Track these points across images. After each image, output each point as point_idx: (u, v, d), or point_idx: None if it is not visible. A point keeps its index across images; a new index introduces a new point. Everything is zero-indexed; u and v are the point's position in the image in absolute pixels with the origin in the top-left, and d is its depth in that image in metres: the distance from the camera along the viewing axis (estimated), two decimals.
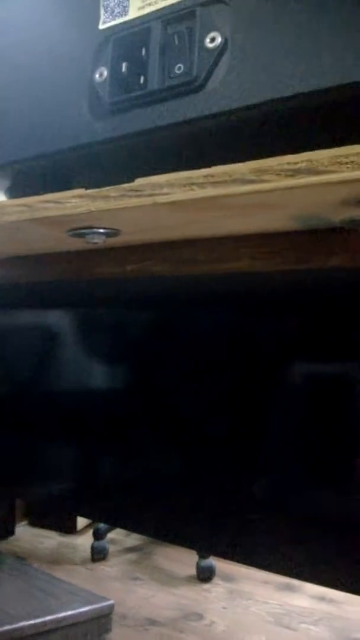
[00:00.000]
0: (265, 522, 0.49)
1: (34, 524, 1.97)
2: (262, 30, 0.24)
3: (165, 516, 0.56)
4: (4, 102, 0.31)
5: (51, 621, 1.23)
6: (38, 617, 1.22)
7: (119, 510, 0.61)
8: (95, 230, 0.34)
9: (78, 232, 0.35)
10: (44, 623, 1.22)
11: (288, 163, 0.23)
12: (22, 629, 1.18)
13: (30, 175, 0.35)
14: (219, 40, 0.24)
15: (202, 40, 0.25)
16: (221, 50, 0.24)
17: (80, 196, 0.30)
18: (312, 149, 0.22)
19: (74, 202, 0.30)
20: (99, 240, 0.35)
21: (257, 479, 0.49)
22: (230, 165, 0.25)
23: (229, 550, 0.53)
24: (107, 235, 0.35)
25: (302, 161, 0.23)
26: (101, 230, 0.34)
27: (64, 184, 0.37)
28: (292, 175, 0.23)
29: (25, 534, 1.91)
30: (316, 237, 0.33)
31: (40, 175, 0.34)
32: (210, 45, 0.25)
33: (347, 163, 0.22)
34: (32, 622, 1.20)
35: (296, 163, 0.23)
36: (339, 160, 0.22)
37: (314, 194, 0.25)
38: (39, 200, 0.31)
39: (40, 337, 0.63)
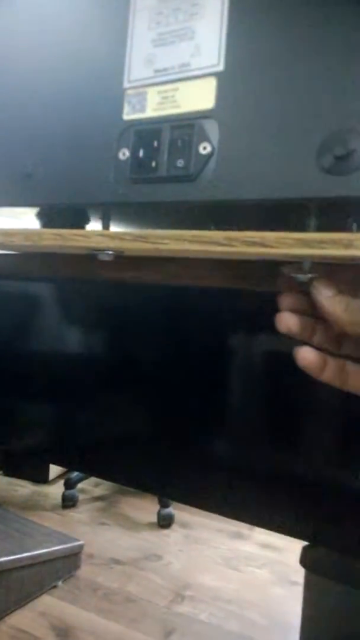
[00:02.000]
0: (222, 474, 0.59)
1: (8, 474, 2.10)
2: (240, 145, 0.36)
3: (133, 465, 0.65)
4: (52, 160, 0.42)
5: (27, 558, 1.38)
6: (15, 553, 1.37)
7: (91, 459, 0.70)
8: (107, 252, 0.46)
9: (94, 253, 0.46)
10: (21, 559, 1.36)
11: (248, 236, 0.36)
12: (1, 563, 1.32)
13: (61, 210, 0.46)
14: (209, 149, 0.36)
15: (197, 147, 0.36)
16: (210, 156, 0.36)
17: (102, 235, 0.41)
18: (264, 227, 0.35)
19: (97, 238, 0.41)
20: (108, 259, 0.47)
21: (215, 436, 0.60)
22: (211, 232, 0.37)
23: (188, 496, 0.62)
24: (114, 255, 0.47)
25: (257, 237, 0.35)
26: (110, 252, 0.46)
27: (84, 216, 0.49)
28: (250, 245, 0.36)
29: (1, 483, 2.04)
30: (274, 265, 0.45)
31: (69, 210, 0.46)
32: (203, 152, 0.36)
33: (285, 243, 0.35)
34: (10, 558, 1.34)
35: (254, 238, 0.35)
36: (280, 240, 0.35)
37: (266, 255, 0.38)
38: (70, 232, 0.42)
39: (21, 304, 0.72)
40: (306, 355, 0.34)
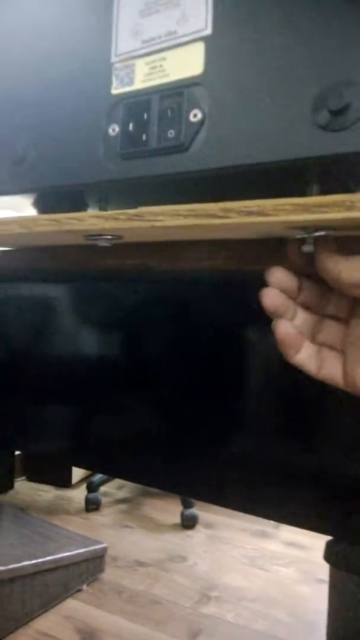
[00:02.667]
0: (244, 471, 0.57)
1: (31, 479, 2.10)
2: (231, 109, 0.34)
3: (154, 465, 0.64)
4: (42, 142, 0.41)
5: (51, 561, 1.37)
6: (39, 557, 1.37)
7: (112, 460, 0.69)
8: (105, 237, 0.44)
9: (91, 238, 0.45)
10: (44, 563, 1.36)
11: (245, 206, 0.34)
12: (25, 567, 1.32)
13: (55, 194, 0.45)
14: (199, 116, 0.34)
15: (187, 115, 0.35)
16: (201, 123, 0.35)
17: (97, 217, 0.40)
18: (263, 196, 0.33)
19: (91, 220, 0.40)
20: (107, 244, 0.46)
21: (235, 432, 0.58)
22: (206, 204, 0.35)
23: (211, 494, 0.61)
24: (113, 239, 0.45)
25: (254, 206, 0.34)
26: (109, 237, 0.44)
27: (82, 203, 0.47)
28: (247, 215, 0.34)
29: (24, 488, 2.05)
30: (275, 244, 0.43)
31: (63, 194, 0.44)
32: (193, 120, 0.35)
33: (283, 209, 0.33)
34: (33, 561, 1.34)
35: (250, 207, 0.34)
36: (278, 207, 0.33)
37: (264, 225, 0.36)
38: (64, 216, 0.41)
39: (34, 307, 0.72)
40: (287, 330, 0.33)
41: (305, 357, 0.34)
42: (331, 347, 0.34)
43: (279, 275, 0.34)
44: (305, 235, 0.36)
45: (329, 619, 0.90)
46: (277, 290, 0.33)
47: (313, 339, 0.35)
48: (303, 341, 0.34)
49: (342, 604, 0.88)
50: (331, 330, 0.35)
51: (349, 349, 0.33)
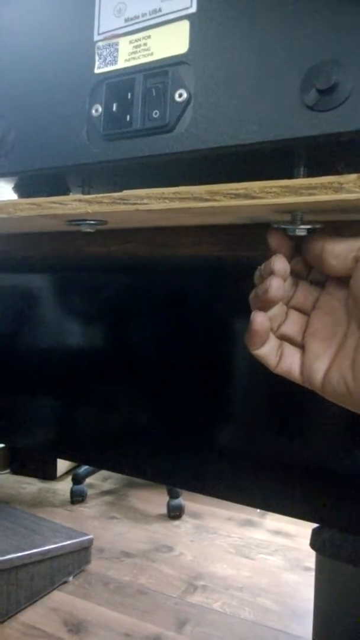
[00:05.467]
0: (229, 459, 0.57)
1: (15, 472, 2.09)
2: (218, 88, 0.33)
3: (140, 455, 0.64)
4: (22, 124, 0.39)
5: (37, 554, 1.37)
6: (24, 550, 1.36)
7: (97, 451, 0.68)
8: (88, 221, 0.43)
9: (74, 223, 0.44)
10: (30, 555, 1.35)
11: (232, 189, 0.33)
12: (11, 560, 1.31)
13: (37, 178, 0.44)
14: (185, 96, 0.34)
15: (172, 95, 0.34)
16: (186, 103, 0.34)
17: (80, 200, 0.39)
18: (249, 180, 0.32)
19: (74, 204, 0.39)
20: (90, 229, 0.45)
21: (220, 421, 0.58)
22: (191, 187, 0.35)
23: (197, 484, 0.61)
24: (97, 225, 0.44)
25: (241, 188, 0.33)
26: (92, 222, 0.43)
27: (65, 188, 0.46)
28: (234, 198, 0.33)
29: (8, 481, 2.03)
30: (263, 229, 0.43)
31: (45, 178, 0.43)
32: (179, 100, 0.34)
33: (271, 192, 0.32)
34: (19, 554, 1.33)
35: (237, 189, 0.33)
36: (265, 189, 0.32)
37: (251, 208, 0.35)
38: (46, 200, 0.40)
39: (21, 297, 0.70)
40: (263, 321, 0.33)
41: (268, 350, 0.34)
42: (291, 341, 0.35)
43: (283, 264, 0.33)
44: (291, 227, 0.36)
45: (316, 606, 0.91)
46: (282, 279, 0.32)
47: (277, 330, 0.35)
48: (269, 334, 0.34)
49: (329, 591, 0.89)
50: (294, 322, 0.35)
51: (309, 341, 0.34)
